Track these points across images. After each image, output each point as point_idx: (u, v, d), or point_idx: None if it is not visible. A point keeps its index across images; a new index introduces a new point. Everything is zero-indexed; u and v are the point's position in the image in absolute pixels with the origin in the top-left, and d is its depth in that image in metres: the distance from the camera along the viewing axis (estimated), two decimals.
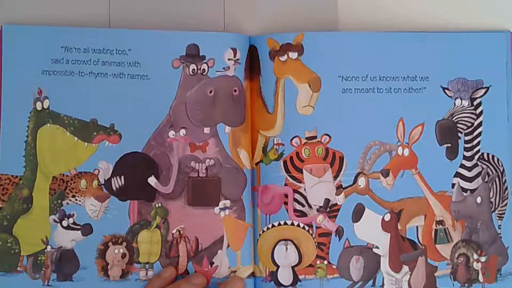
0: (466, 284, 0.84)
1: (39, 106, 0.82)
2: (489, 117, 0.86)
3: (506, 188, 0.86)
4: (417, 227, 0.85)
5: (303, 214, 0.84)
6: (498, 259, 0.85)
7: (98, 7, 0.87)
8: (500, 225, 0.85)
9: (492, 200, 0.85)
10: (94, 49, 0.83)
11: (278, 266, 0.83)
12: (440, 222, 0.85)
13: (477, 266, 0.84)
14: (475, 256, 0.84)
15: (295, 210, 0.83)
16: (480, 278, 0.84)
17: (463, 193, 0.85)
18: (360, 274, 0.83)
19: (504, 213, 0.85)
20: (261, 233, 0.83)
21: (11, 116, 0.82)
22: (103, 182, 0.83)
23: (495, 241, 0.85)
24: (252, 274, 0.83)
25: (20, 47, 0.83)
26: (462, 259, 0.84)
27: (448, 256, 0.85)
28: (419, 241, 0.84)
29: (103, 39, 0.83)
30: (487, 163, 0.85)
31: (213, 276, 0.82)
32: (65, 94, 0.83)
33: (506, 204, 0.86)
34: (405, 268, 0.84)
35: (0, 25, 0.83)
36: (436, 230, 0.85)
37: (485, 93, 0.86)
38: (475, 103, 0.86)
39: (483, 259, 0.84)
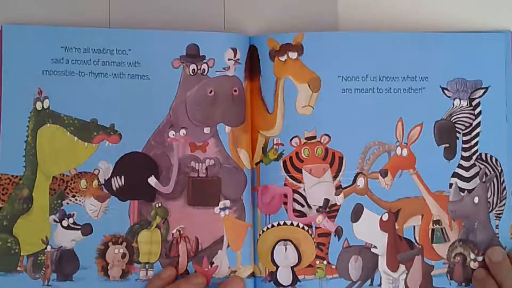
0: (463, 283, 0.84)
1: (39, 106, 0.82)
2: (487, 118, 0.86)
3: (504, 189, 0.86)
4: (414, 226, 0.85)
5: (302, 214, 0.84)
6: None
7: (98, 7, 0.87)
8: (497, 225, 0.85)
9: (490, 200, 0.85)
10: (94, 49, 0.83)
11: (277, 266, 0.83)
12: (437, 222, 0.85)
13: (474, 265, 0.84)
14: (472, 256, 0.84)
15: (294, 210, 0.83)
16: None
17: (461, 193, 0.85)
18: (358, 273, 0.83)
19: (502, 213, 0.86)
20: (261, 233, 0.83)
21: (11, 116, 0.82)
22: (103, 182, 0.82)
23: (492, 241, 0.85)
24: (252, 274, 0.83)
25: (20, 47, 0.83)
26: (458, 258, 0.85)
27: (445, 255, 0.85)
28: (416, 241, 0.85)
29: (103, 39, 0.83)
30: (485, 163, 0.86)
31: (213, 276, 0.82)
32: (65, 94, 0.83)
33: (504, 205, 0.86)
34: (402, 267, 0.84)
35: (0, 25, 0.83)
36: (433, 229, 0.85)
37: (483, 93, 0.86)
38: (473, 103, 0.86)
39: (480, 258, 0.84)
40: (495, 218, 0.86)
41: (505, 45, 0.87)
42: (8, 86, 0.82)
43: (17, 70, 0.82)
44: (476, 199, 0.85)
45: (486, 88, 0.86)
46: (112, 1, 0.87)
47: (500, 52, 0.86)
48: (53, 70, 0.83)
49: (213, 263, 0.82)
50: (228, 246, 0.82)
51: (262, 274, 0.83)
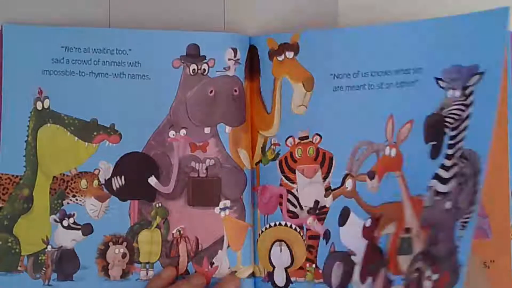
0: None
1: (39, 106, 0.82)
2: (479, 108, 0.76)
3: (476, 192, 0.73)
4: (389, 235, 0.79)
5: (295, 215, 0.84)
6: (450, 279, 0.73)
7: (98, 7, 0.86)
8: (461, 236, 0.73)
9: (460, 205, 0.74)
10: (94, 49, 0.82)
11: (274, 267, 0.84)
12: (408, 230, 0.78)
13: (427, 285, 0.75)
14: (428, 273, 0.75)
15: (288, 211, 0.84)
16: None
17: (436, 197, 0.76)
18: (337, 282, 0.81)
19: (468, 222, 0.73)
20: (260, 233, 0.85)
21: (11, 116, 0.82)
22: (103, 182, 0.83)
23: (451, 255, 0.73)
24: (252, 274, 0.85)
25: (20, 47, 0.82)
26: (416, 274, 0.76)
27: (406, 269, 0.78)
28: (386, 251, 0.79)
29: (103, 39, 0.82)
30: (465, 161, 0.76)
31: (213, 276, 0.83)
32: (65, 94, 0.82)
33: (471, 212, 0.73)
34: (369, 279, 0.79)
35: (0, 25, 0.82)
36: (402, 238, 0.78)
37: (478, 80, 0.76)
38: (467, 91, 0.77)
39: (435, 277, 0.75)
40: (461, 227, 0.73)
41: (503, 24, 0.74)
42: (8, 86, 0.81)
43: (17, 70, 0.82)
44: (448, 204, 0.75)
45: (481, 74, 0.76)
46: (112, 1, 0.86)
47: (498, 32, 0.75)
48: (53, 70, 0.82)
49: (213, 263, 0.83)
50: (228, 246, 0.83)
51: (262, 274, 0.85)
